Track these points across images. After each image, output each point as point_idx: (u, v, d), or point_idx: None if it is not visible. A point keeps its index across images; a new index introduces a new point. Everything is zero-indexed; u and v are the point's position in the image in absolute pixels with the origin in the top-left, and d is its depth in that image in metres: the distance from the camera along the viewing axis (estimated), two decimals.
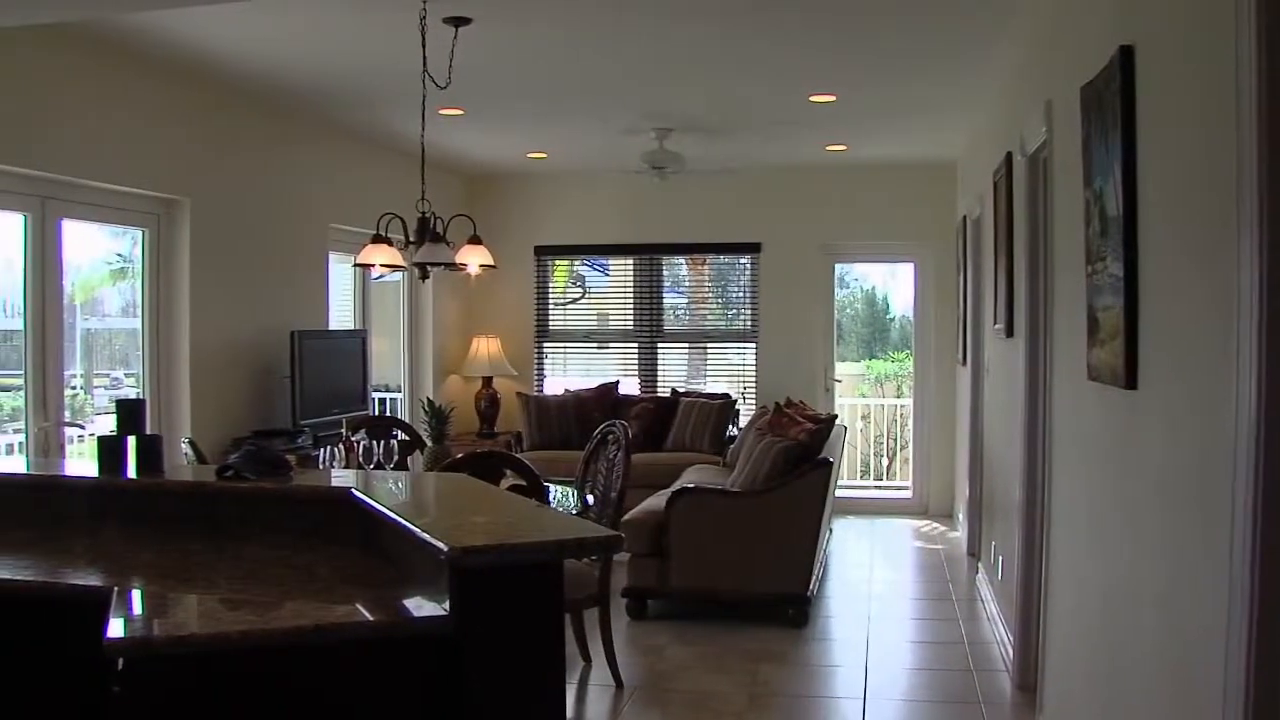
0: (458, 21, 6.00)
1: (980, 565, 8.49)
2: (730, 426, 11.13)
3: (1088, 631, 4.18)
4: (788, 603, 7.40)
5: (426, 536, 3.01)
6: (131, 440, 4.42)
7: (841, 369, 12.54)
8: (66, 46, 6.37)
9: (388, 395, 11.07)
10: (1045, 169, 5.32)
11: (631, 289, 12.44)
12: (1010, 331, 6.46)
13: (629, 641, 6.98)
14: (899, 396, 13.62)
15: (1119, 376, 3.46)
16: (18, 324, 6.51)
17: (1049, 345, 5.21)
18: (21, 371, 6.49)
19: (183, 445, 6.49)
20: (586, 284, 12.75)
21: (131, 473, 4.34)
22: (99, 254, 7.67)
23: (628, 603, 7.53)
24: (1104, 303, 3.67)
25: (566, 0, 6.01)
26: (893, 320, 14.27)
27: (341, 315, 9.95)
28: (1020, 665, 5.97)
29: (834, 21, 6.33)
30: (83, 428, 6.97)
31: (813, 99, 8.17)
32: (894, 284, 13.92)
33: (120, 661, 2.71)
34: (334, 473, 5.75)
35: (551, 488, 6.29)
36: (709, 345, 12.45)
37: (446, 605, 2.93)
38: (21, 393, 6.50)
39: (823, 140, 10.00)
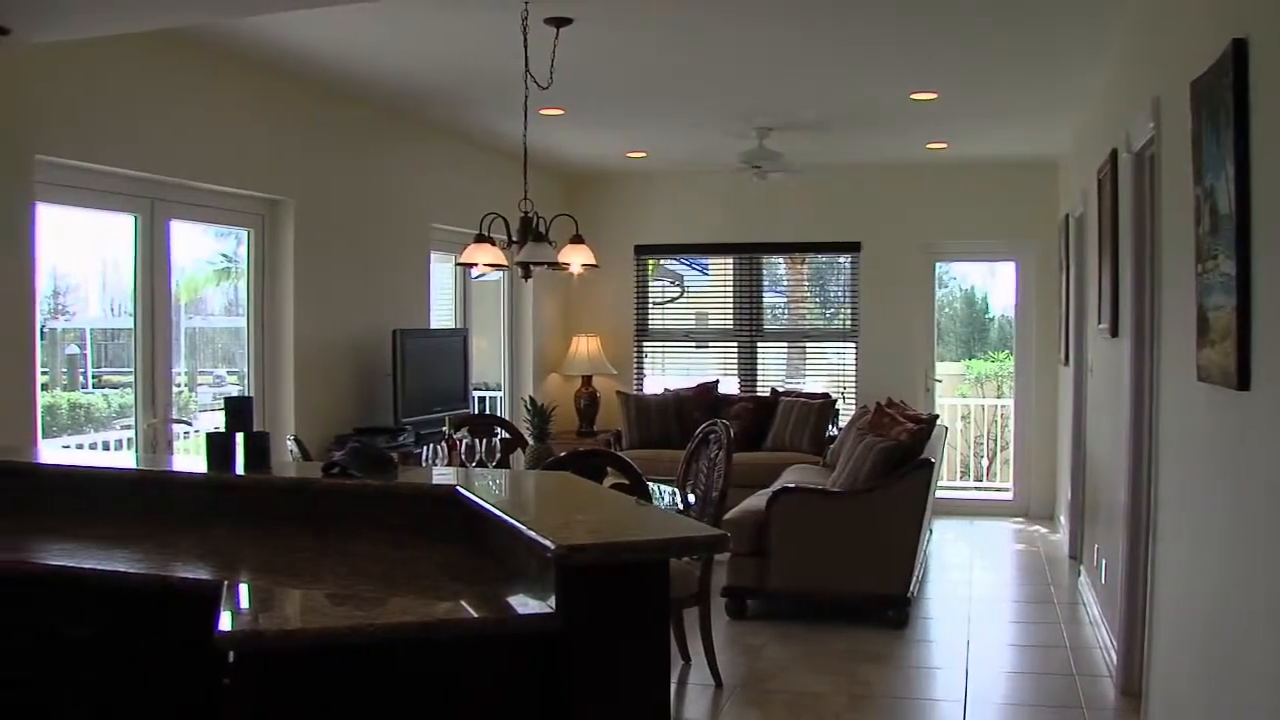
0: (559, 22, 6.04)
1: (1082, 568, 8.38)
2: (830, 426, 11.07)
3: (1195, 638, 4.10)
4: (888, 603, 7.35)
5: (532, 534, 3.02)
6: (240, 437, 4.48)
7: (941, 369, 12.42)
8: (174, 51, 6.49)
9: (486, 394, 11.14)
10: (1152, 166, 5.24)
11: (731, 288, 12.44)
12: (1115, 331, 6.37)
13: (728, 641, 6.97)
14: (999, 397, 13.47)
15: (1230, 377, 3.40)
16: (125, 323, 6.65)
17: (1156, 345, 5.13)
18: (130, 369, 6.63)
19: (288, 442, 6.59)
20: (685, 283, 12.75)
21: (240, 469, 4.41)
22: (203, 254, 7.80)
23: (727, 602, 7.53)
24: (1215, 302, 3.61)
25: (667, 0, 6.03)
26: (991, 320, 14.11)
27: (442, 314, 10.04)
28: (1124, 670, 5.88)
29: (936, 20, 6.28)
30: (189, 424, 7.10)
31: (914, 97, 8.11)
32: (993, 283, 13.78)
33: (231, 654, 2.75)
34: (437, 470, 5.78)
35: (652, 486, 6.29)
36: (808, 345, 12.41)
37: (551, 603, 2.93)
38: (130, 390, 6.64)
39: (923, 138, 9.91)
